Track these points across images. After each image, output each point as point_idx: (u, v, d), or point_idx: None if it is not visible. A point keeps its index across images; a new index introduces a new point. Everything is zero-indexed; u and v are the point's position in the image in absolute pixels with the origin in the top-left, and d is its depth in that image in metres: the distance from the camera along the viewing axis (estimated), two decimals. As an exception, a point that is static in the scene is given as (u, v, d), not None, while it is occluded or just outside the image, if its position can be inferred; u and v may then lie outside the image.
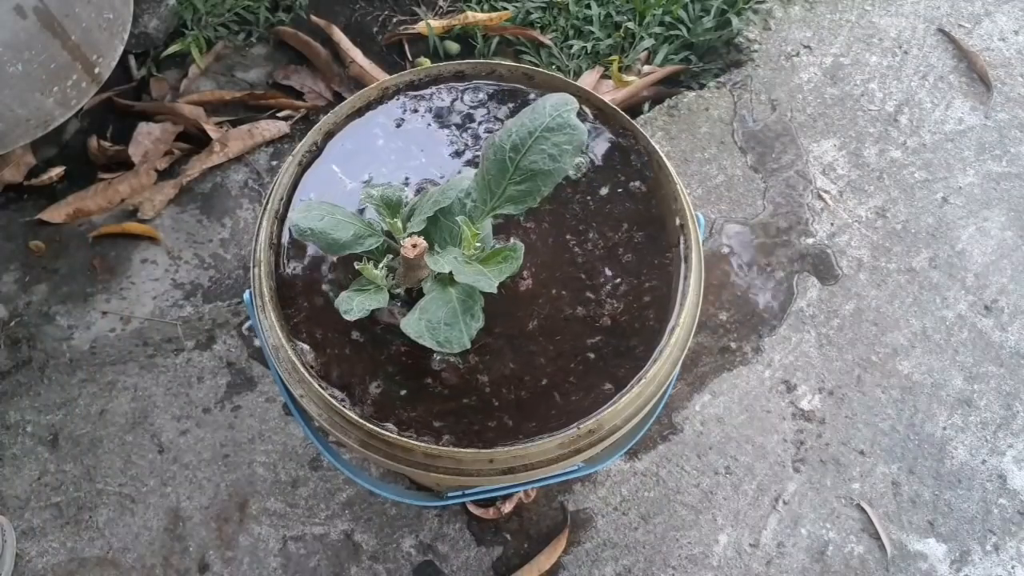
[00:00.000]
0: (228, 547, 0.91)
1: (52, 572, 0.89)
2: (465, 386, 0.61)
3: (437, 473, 0.58)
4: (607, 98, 0.74)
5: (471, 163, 0.69)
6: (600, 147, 0.70)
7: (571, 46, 1.23)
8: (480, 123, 0.71)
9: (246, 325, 1.02)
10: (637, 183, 0.68)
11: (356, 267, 0.59)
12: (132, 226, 1.07)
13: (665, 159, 0.68)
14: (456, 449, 0.57)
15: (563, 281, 0.64)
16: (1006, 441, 0.99)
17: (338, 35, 1.23)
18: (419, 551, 0.91)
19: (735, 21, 1.24)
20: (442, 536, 0.91)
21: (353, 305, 0.58)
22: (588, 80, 1.20)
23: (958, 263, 1.09)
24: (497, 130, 0.64)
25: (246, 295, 0.68)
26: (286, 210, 0.66)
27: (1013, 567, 0.92)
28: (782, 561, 0.92)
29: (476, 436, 0.59)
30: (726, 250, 1.09)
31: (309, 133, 0.69)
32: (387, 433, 0.57)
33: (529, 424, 0.59)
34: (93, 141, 1.13)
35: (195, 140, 1.16)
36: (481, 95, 0.73)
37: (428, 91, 0.73)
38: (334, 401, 0.58)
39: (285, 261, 0.65)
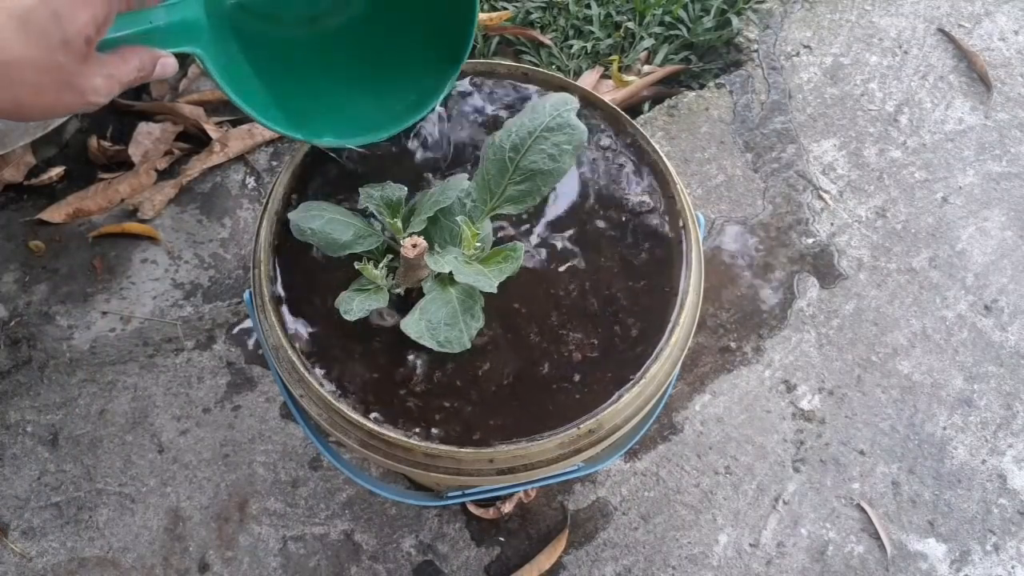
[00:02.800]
0: (228, 547, 0.91)
1: (52, 572, 0.89)
2: (465, 386, 0.61)
3: (437, 473, 0.58)
4: (607, 98, 0.74)
5: (470, 162, 0.69)
6: (599, 148, 0.70)
7: (571, 46, 1.23)
8: (479, 122, 0.71)
9: (238, 327, 1.02)
10: (637, 183, 0.68)
11: (356, 267, 0.59)
12: (132, 226, 1.07)
13: (665, 159, 0.68)
14: (456, 449, 0.57)
15: (562, 281, 0.64)
16: (1006, 441, 0.99)
17: (338, 35, 1.23)
18: (419, 551, 0.91)
19: (735, 21, 1.24)
20: (442, 536, 0.91)
21: (353, 305, 0.58)
22: (588, 80, 1.20)
23: (958, 263, 1.09)
24: (496, 130, 0.64)
25: (246, 295, 0.68)
26: (286, 210, 0.66)
27: (1013, 567, 0.92)
28: (782, 561, 0.92)
29: (476, 436, 0.59)
30: (726, 250, 1.09)
31: (309, 133, 0.69)
32: (387, 433, 0.57)
33: (529, 424, 0.59)
34: (93, 141, 1.13)
35: (195, 140, 1.16)
36: (481, 94, 0.73)
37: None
38: (334, 401, 0.58)
39: (285, 261, 0.65)
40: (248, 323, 1.02)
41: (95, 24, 0.44)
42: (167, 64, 0.51)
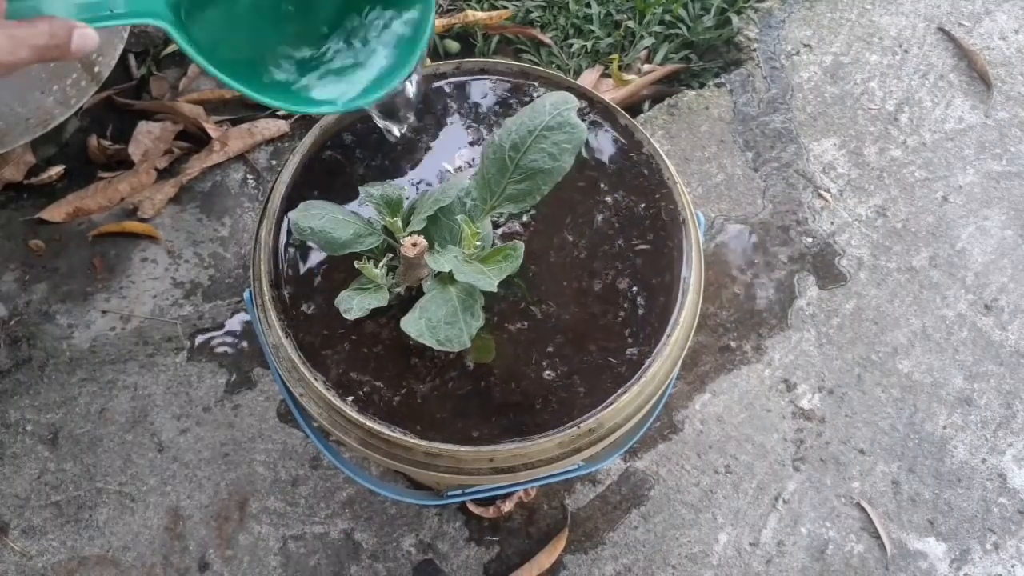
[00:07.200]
0: (228, 546, 0.91)
1: (52, 571, 0.89)
2: (465, 385, 0.61)
3: (437, 472, 0.58)
4: (607, 97, 0.74)
5: (469, 162, 0.69)
6: (600, 146, 0.70)
7: (571, 45, 1.23)
8: (478, 122, 0.71)
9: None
10: (637, 182, 0.68)
11: (356, 266, 0.59)
12: (132, 225, 1.07)
13: (665, 158, 0.68)
14: (456, 448, 0.57)
15: (562, 280, 0.64)
16: (1006, 440, 0.99)
17: (338, 34, 1.23)
18: (419, 550, 0.91)
19: (735, 20, 1.24)
20: (442, 535, 0.91)
21: (353, 304, 0.58)
22: (588, 79, 1.20)
23: (958, 262, 1.09)
24: (496, 129, 0.64)
25: (246, 294, 0.68)
26: (286, 209, 0.66)
27: (1013, 566, 0.92)
28: (782, 560, 0.92)
29: (476, 435, 0.59)
30: (726, 249, 1.09)
31: (309, 131, 0.69)
32: (387, 432, 0.57)
33: (529, 423, 0.59)
34: (93, 140, 1.13)
35: (195, 139, 1.16)
36: (480, 93, 0.73)
37: (426, 89, 0.73)
38: (334, 400, 0.58)
39: (285, 260, 0.65)
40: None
41: None
42: (86, 36, 0.48)
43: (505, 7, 1.26)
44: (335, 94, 0.63)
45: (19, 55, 0.45)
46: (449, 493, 0.77)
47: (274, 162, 1.14)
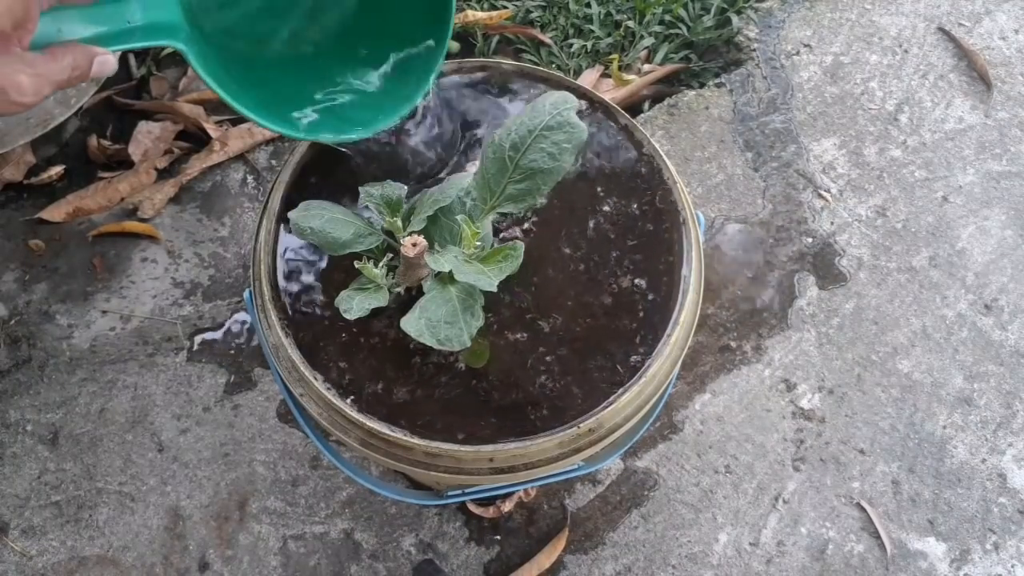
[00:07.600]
0: (228, 546, 0.91)
1: (52, 571, 0.89)
2: (465, 385, 0.61)
3: (437, 472, 0.58)
4: (607, 97, 0.74)
5: (468, 161, 0.69)
6: (600, 146, 0.70)
7: (571, 45, 1.23)
8: (478, 121, 0.71)
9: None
10: (637, 182, 0.68)
11: (356, 266, 0.59)
12: (132, 225, 1.07)
13: (665, 158, 0.68)
14: (456, 448, 0.57)
15: (561, 281, 0.64)
16: (1006, 440, 0.99)
17: (338, 34, 1.23)
18: (419, 550, 0.91)
19: (735, 20, 1.24)
20: (442, 535, 0.91)
21: (353, 304, 0.58)
22: (588, 79, 1.20)
23: (958, 262, 1.09)
24: (496, 128, 0.64)
25: (246, 294, 0.68)
26: (286, 209, 0.66)
27: (1013, 566, 0.92)
28: (782, 560, 0.92)
29: (476, 435, 0.59)
30: (726, 249, 1.09)
31: (309, 132, 0.69)
32: (387, 432, 0.57)
33: (529, 423, 0.59)
34: (93, 140, 1.13)
35: (195, 139, 1.16)
36: (480, 93, 0.73)
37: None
38: (334, 400, 0.58)
39: (285, 260, 0.65)
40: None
41: (10, 17, 0.41)
42: (105, 62, 0.48)
43: (505, 7, 1.26)
44: (341, 125, 0.63)
45: (42, 92, 0.45)
46: (449, 493, 0.77)
47: (274, 162, 1.14)
